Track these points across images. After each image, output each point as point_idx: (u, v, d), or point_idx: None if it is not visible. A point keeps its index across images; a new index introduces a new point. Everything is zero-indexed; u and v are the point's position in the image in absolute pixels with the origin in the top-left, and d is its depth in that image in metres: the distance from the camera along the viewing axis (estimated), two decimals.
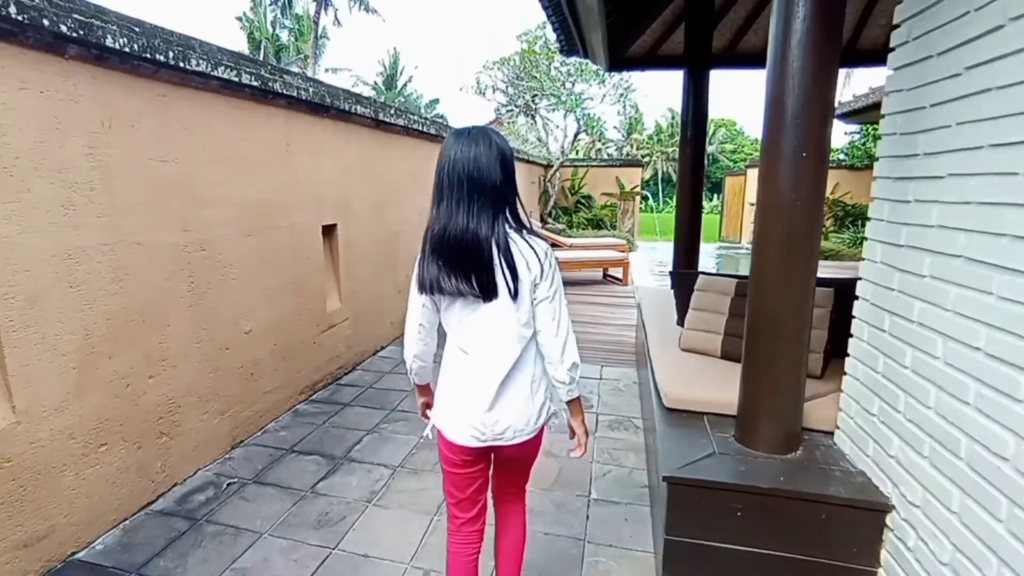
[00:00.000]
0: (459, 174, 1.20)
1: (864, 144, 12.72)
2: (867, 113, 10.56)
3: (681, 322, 2.76)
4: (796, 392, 1.74)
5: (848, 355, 1.79)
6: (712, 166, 39.08)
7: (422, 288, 1.28)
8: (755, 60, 4.30)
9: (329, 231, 3.61)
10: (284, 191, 3.10)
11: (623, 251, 9.02)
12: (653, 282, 7.65)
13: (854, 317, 1.77)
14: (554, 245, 9.04)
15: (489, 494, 1.49)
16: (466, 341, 1.30)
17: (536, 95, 12.18)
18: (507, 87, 12.43)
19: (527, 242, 1.26)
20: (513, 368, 1.28)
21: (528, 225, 1.30)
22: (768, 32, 1.65)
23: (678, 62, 4.23)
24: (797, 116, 1.56)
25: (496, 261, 1.21)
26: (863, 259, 1.72)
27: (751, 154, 39.40)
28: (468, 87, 12.78)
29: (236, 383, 2.75)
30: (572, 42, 3.95)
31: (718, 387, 2.09)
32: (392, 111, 4.31)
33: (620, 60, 4.48)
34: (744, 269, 10.93)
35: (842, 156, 13.32)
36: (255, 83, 2.67)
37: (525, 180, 10.89)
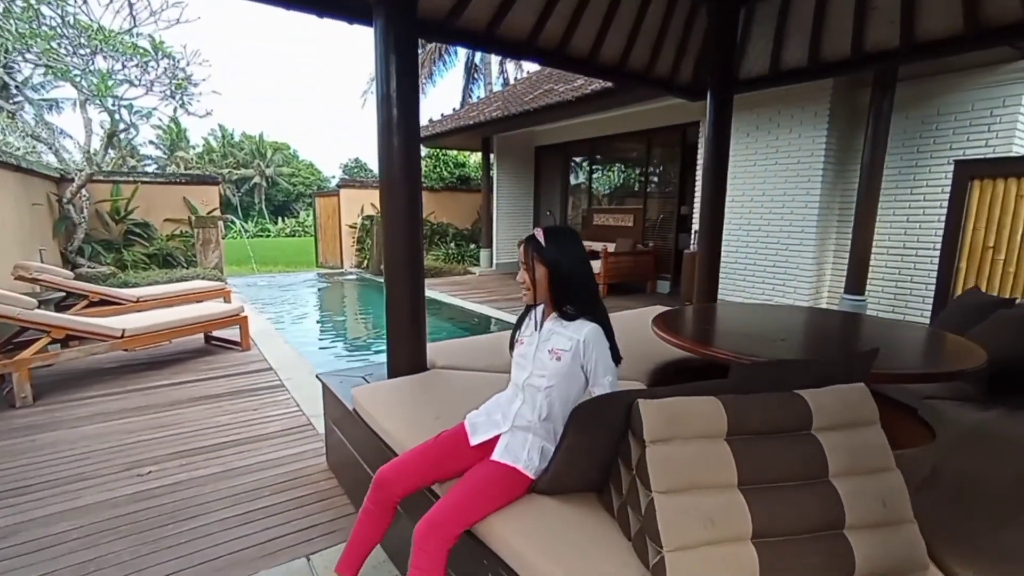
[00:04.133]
0: None
1: (436, 168, 13.88)
2: (435, 140, 11.46)
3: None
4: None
5: None
6: (272, 189, 37.81)
7: None
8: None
9: None
10: None
11: (227, 297, 6.58)
12: (281, 339, 5.71)
13: None
14: (100, 303, 5.69)
15: None
16: None
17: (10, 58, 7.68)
18: None
19: None
20: None
21: None
22: None
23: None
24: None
25: None
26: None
27: (309, 177, 40.26)
28: None
29: None
30: None
31: None
32: None
33: None
34: (351, 295, 10.42)
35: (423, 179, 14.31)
36: None
37: (16, 201, 6.68)
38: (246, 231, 23.94)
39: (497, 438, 1.60)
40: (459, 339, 3.31)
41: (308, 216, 29.51)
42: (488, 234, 11.49)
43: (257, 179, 37.34)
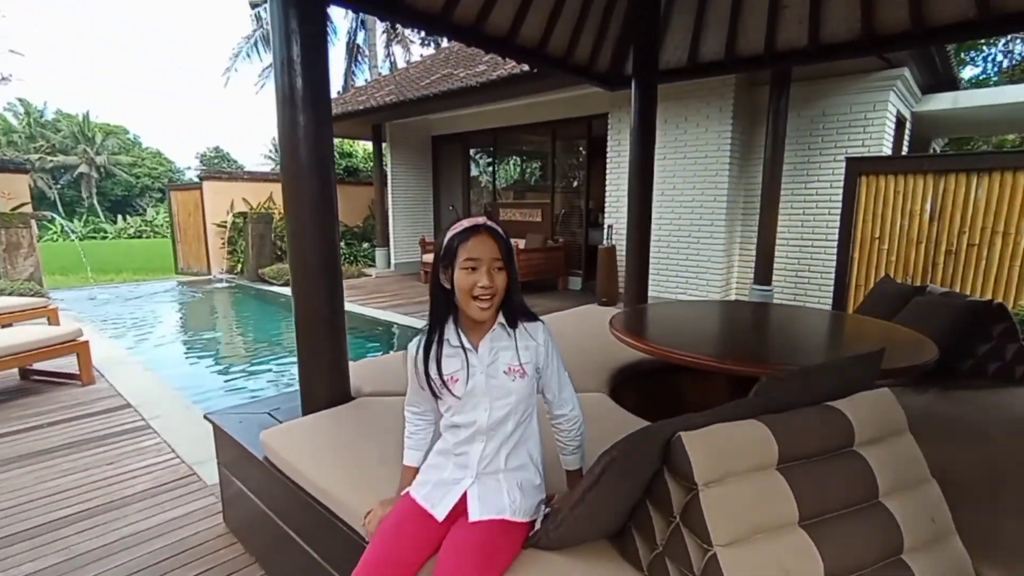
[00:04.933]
0: None
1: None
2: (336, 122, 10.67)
3: None
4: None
5: None
6: (107, 181, 33.31)
7: None
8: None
9: None
10: None
11: (52, 318, 5.47)
12: (139, 367, 4.86)
13: None
14: None
15: None
16: None
17: None
18: None
19: None
20: None
21: None
22: None
23: None
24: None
25: None
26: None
27: (156, 168, 35.73)
28: None
29: None
30: None
31: None
32: None
33: None
34: (226, 307, 9.19)
35: None
36: None
37: None
38: (73, 232, 20.56)
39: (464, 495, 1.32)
40: (381, 356, 2.96)
41: (159, 213, 26.32)
42: (384, 231, 10.92)
43: (84, 168, 32.47)
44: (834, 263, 5.65)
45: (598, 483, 1.09)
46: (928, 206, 4.51)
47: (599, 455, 1.11)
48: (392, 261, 10.96)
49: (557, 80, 6.42)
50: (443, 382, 1.30)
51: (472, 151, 10.87)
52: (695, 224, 6.64)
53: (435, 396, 1.35)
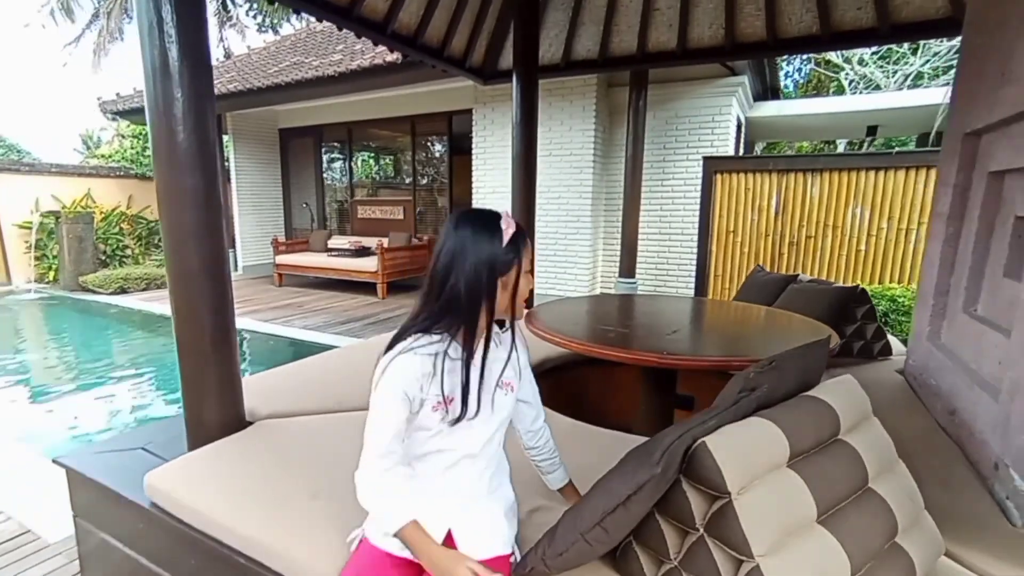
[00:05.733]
0: None
1: (145, 151, 11.27)
2: (137, 114, 9.30)
3: None
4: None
5: None
6: None
7: None
8: None
9: None
10: None
11: None
12: None
13: None
14: None
15: None
16: None
17: None
18: None
19: None
20: None
21: None
22: None
23: None
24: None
25: None
26: None
27: None
28: None
29: None
30: None
31: None
32: None
33: None
34: (38, 323, 7.35)
35: (129, 164, 11.38)
36: None
37: None
38: None
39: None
40: (270, 371, 2.57)
41: None
42: (228, 232, 9.72)
43: None
44: (690, 255, 6.28)
45: (627, 504, 0.99)
46: (774, 202, 5.20)
47: (623, 471, 1.01)
48: (240, 264, 9.83)
49: (421, 73, 6.22)
50: (444, 401, 1.10)
51: (325, 145, 10.15)
52: (562, 221, 6.90)
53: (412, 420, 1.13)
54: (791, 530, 1.01)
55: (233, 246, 9.86)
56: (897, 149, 5.64)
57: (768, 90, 7.91)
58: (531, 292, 1.17)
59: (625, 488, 0.98)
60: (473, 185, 7.48)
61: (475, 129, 7.34)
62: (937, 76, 11.73)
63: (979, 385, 1.80)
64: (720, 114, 6.38)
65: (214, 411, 1.88)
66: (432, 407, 1.09)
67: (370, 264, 7.84)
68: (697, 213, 5.93)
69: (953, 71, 11.35)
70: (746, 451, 1.03)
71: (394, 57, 6.29)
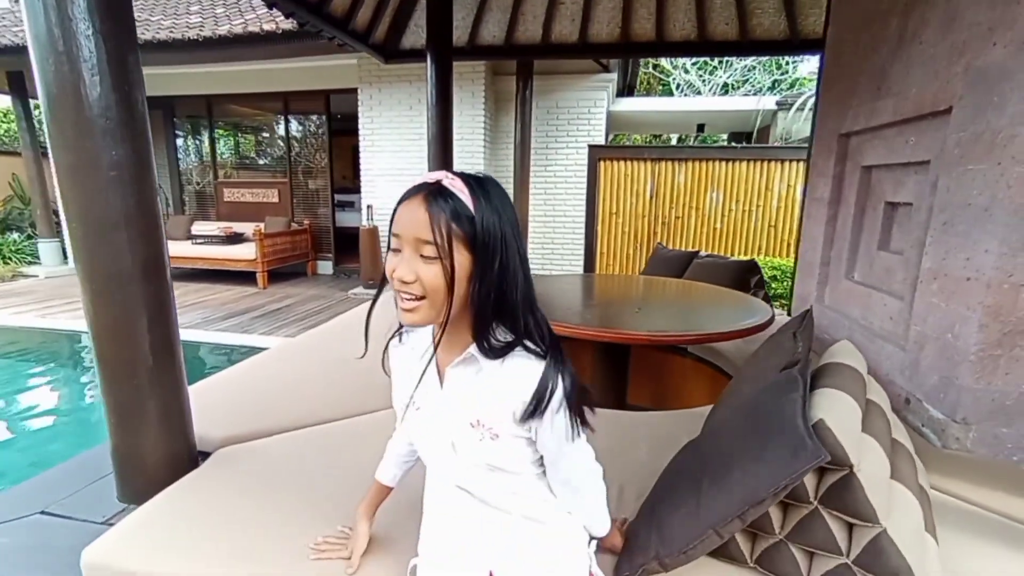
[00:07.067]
0: None
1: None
2: None
3: None
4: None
5: None
6: None
7: None
8: None
9: None
10: None
11: None
12: None
13: None
14: None
15: None
16: None
17: None
18: None
19: None
20: None
21: None
22: None
23: None
24: None
25: None
26: None
27: None
28: None
29: None
30: None
31: None
32: None
33: None
34: None
35: None
36: None
37: None
38: None
39: None
40: (201, 382, 2.02)
41: None
42: (48, 218, 7.82)
43: None
44: (572, 235, 6.49)
45: (779, 493, 0.93)
46: (649, 187, 5.55)
47: (763, 460, 0.95)
48: (70, 256, 7.98)
49: (304, 46, 5.51)
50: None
51: (178, 120, 8.59)
52: None
53: None
54: (887, 491, 1.04)
55: (58, 235, 8.02)
56: (730, 144, 6.29)
57: (626, 87, 8.39)
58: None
59: (778, 477, 0.92)
60: (361, 167, 6.91)
61: (361, 109, 6.74)
62: (738, 87, 13.45)
63: (881, 337, 2.04)
64: (595, 107, 6.61)
65: (159, 449, 1.43)
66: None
67: (247, 252, 6.89)
68: (579, 197, 6.13)
69: (746, 86, 12.91)
70: (847, 423, 1.04)
71: (272, 26, 5.49)
